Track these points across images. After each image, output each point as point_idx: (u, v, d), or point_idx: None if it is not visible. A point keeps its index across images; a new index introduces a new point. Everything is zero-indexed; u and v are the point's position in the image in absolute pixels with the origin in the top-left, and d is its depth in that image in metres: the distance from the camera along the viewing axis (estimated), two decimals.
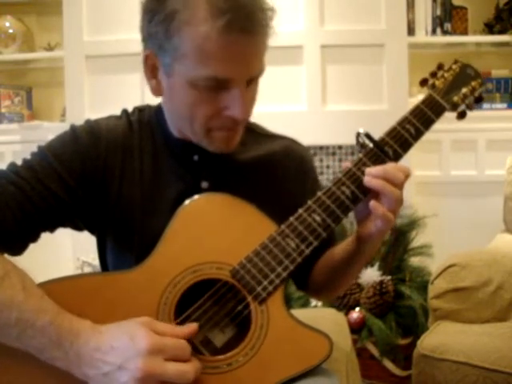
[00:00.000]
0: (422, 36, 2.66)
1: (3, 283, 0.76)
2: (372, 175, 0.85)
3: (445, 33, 2.67)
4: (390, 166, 0.86)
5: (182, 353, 0.75)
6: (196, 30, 0.80)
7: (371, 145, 0.90)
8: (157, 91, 0.91)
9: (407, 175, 0.86)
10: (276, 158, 1.02)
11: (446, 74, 0.99)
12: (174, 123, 0.96)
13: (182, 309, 0.84)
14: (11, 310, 0.75)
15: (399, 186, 0.85)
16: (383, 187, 0.84)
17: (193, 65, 0.82)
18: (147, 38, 0.87)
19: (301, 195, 1.00)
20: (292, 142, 1.07)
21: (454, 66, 1.01)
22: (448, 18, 2.67)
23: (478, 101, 1.01)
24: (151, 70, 0.89)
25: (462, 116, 1.00)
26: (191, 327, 0.79)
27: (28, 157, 0.92)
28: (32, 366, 0.78)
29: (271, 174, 1.01)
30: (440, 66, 1.01)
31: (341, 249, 0.98)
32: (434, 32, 2.67)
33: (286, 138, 1.07)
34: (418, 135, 0.92)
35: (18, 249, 0.88)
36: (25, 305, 0.75)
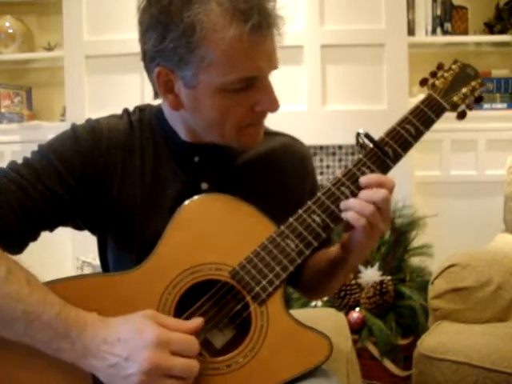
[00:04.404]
0: (422, 36, 2.66)
1: (8, 277, 0.77)
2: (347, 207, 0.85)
3: (445, 33, 2.67)
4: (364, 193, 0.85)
5: (188, 348, 0.76)
6: (223, 37, 0.81)
7: (371, 145, 0.89)
8: (176, 105, 0.89)
9: (391, 188, 0.86)
10: (275, 156, 1.02)
11: (445, 74, 0.99)
12: (188, 129, 0.95)
13: (182, 310, 0.84)
14: (17, 303, 0.75)
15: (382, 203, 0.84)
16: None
17: (222, 71, 0.83)
18: (157, 55, 0.85)
19: (301, 192, 1.01)
20: (291, 139, 1.07)
21: (453, 66, 1.01)
22: (448, 17, 2.67)
23: (478, 101, 1.02)
24: (165, 86, 0.88)
25: (462, 116, 1.00)
26: (196, 322, 0.79)
27: (28, 155, 0.92)
28: (38, 360, 0.78)
29: (271, 171, 1.01)
30: (440, 66, 1.01)
31: (328, 254, 0.98)
32: (434, 32, 2.66)
33: (284, 135, 1.07)
34: (418, 135, 0.92)
35: (18, 247, 0.88)
36: (31, 298, 0.76)
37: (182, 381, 0.74)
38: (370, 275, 2.15)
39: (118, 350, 0.74)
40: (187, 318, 0.83)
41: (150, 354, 0.73)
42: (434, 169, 2.68)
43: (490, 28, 2.72)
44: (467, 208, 2.65)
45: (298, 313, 0.87)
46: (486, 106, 2.62)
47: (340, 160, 2.55)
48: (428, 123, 0.93)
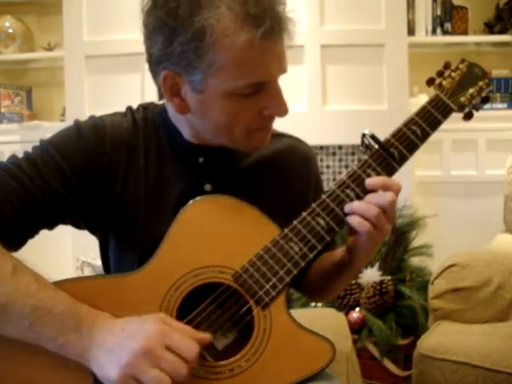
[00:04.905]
0: (422, 36, 2.66)
1: (16, 273, 0.77)
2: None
3: (445, 33, 2.67)
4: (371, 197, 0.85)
5: (186, 349, 0.74)
6: (233, 42, 0.79)
7: (376, 146, 0.88)
8: (182, 109, 0.88)
9: (397, 191, 0.85)
10: (280, 157, 1.01)
11: (453, 74, 0.97)
12: (193, 131, 0.94)
13: (184, 313, 0.83)
14: (27, 298, 0.75)
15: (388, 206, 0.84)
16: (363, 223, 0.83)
17: (232, 76, 0.81)
18: (164, 59, 0.83)
19: (305, 194, 1.00)
20: (296, 141, 1.06)
21: (461, 66, 0.98)
22: (448, 17, 2.67)
23: (485, 101, 0.99)
24: (171, 90, 0.86)
25: (468, 117, 0.98)
26: (205, 335, 0.79)
27: (29, 150, 0.91)
28: (40, 358, 0.78)
29: (275, 173, 1.00)
30: (447, 65, 0.98)
31: (334, 256, 0.97)
32: (434, 32, 2.66)
33: (289, 136, 1.07)
34: (424, 136, 0.90)
35: (16, 244, 0.87)
36: (40, 293, 0.76)
37: (167, 377, 0.73)
38: (370, 275, 2.15)
39: (119, 337, 0.75)
40: (189, 321, 0.82)
41: (146, 339, 0.73)
42: (434, 169, 2.68)
43: (490, 28, 2.72)
44: (467, 208, 2.65)
45: (298, 312, 0.87)
46: (486, 106, 2.61)
47: (340, 160, 2.55)
48: (434, 124, 0.92)
